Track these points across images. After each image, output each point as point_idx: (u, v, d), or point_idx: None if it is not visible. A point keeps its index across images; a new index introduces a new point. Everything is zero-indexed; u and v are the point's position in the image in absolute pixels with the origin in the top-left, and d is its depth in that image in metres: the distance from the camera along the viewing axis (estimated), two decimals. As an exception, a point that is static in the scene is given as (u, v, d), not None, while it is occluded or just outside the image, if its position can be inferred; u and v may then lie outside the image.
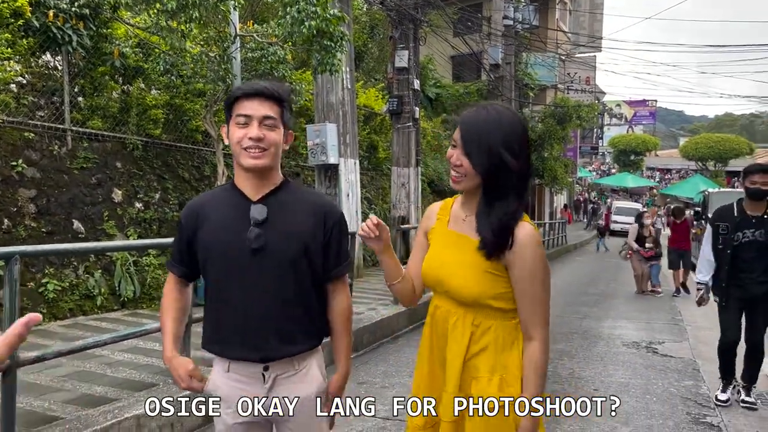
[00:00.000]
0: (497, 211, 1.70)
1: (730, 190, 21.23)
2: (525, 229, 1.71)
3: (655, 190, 48.46)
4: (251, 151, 1.78)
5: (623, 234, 16.06)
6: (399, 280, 1.90)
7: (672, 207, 12.70)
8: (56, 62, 6.85)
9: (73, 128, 6.67)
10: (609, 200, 42.03)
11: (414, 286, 1.94)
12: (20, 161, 6.03)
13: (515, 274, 1.71)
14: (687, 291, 10.48)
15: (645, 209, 12.21)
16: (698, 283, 4.88)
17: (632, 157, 52.10)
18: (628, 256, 11.07)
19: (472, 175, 1.71)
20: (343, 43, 6.66)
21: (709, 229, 4.73)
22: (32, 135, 6.25)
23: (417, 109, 12.36)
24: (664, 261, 11.53)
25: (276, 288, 1.83)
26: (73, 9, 6.27)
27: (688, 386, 5.25)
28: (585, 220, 33.45)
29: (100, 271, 6.53)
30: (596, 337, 7.13)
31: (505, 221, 1.69)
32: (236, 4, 6.37)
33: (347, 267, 1.98)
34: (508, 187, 1.70)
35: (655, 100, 52.64)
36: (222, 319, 1.86)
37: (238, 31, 6.65)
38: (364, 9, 16.29)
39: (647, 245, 10.86)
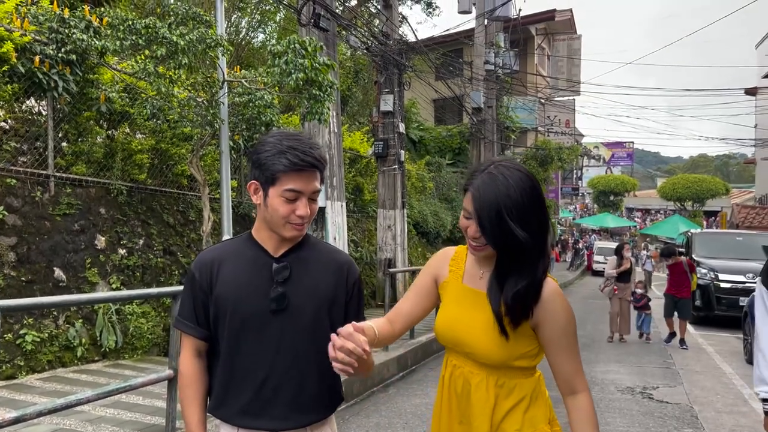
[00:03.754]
0: (510, 286, 1.64)
1: (716, 231, 21.50)
2: (550, 286, 1.68)
3: (634, 230, 48.98)
4: (296, 226, 1.70)
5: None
6: (375, 342, 1.74)
7: (661, 247, 12.24)
8: (41, 107, 6.76)
9: (56, 174, 6.54)
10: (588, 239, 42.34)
11: (395, 331, 1.82)
12: (1, 208, 5.87)
13: (548, 331, 1.67)
14: (684, 345, 9.62)
15: (627, 243, 11.59)
16: (765, 400, 2.33)
17: (611, 198, 52.83)
18: (615, 291, 10.28)
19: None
20: (332, 91, 6.68)
21: (762, 294, 2.53)
22: (14, 181, 6.10)
23: (402, 151, 12.42)
24: (658, 310, 10.84)
25: (295, 351, 1.72)
26: (60, 55, 6.21)
27: (688, 434, 5.15)
28: (569, 260, 33.59)
29: (81, 320, 6.32)
30: (590, 382, 7.00)
31: (521, 293, 1.63)
32: (225, 50, 6.38)
33: None
34: (521, 260, 1.63)
35: (632, 142, 53.69)
36: (232, 384, 1.73)
37: (226, 76, 6.64)
38: (349, 54, 16.52)
39: (638, 290, 10.26)
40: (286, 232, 1.71)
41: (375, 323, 1.74)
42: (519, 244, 1.58)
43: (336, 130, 9.48)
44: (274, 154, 1.67)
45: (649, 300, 10.38)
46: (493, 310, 1.66)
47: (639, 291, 10.33)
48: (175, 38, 5.28)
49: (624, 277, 10.36)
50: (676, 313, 9.84)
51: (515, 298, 1.62)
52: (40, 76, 6.11)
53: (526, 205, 1.59)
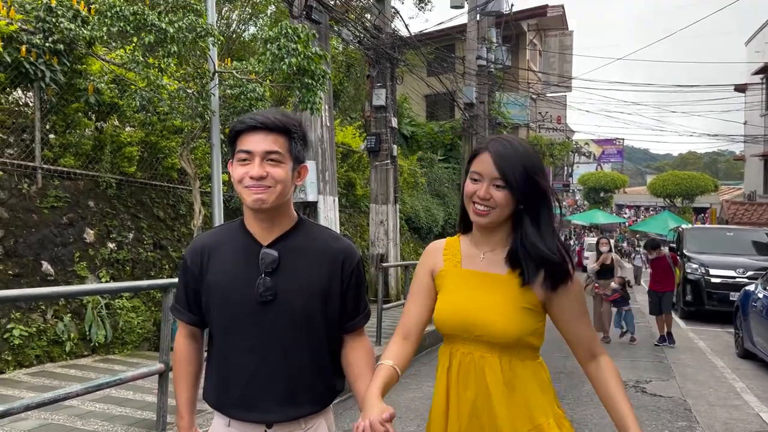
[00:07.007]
0: (548, 238, 1.66)
1: (706, 226, 21.60)
2: None
3: (624, 227, 49.14)
4: (253, 189, 1.61)
5: None
6: (396, 378, 1.70)
7: (647, 240, 11.69)
8: (27, 98, 6.65)
9: (44, 166, 6.43)
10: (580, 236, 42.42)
11: (414, 347, 1.77)
12: (-13, 200, 5.77)
13: (564, 300, 1.69)
14: (671, 341, 9.18)
15: (604, 238, 10.80)
16: None
17: (602, 194, 52.93)
18: (596, 289, 9.74)
19: (502, 207, 1.66)
20: (325, 81, 6.61)
21: None
22: (0, 173, 6.00)
23: (395, 146, 12.35)
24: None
25: (285, 345, 1.65)
26: (47, 44, 6.09)
27: (682, 428, 5.13)
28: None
29: (69, 314, 6.22)
30: (583, 376, 6.91)
31: (561, 246, 1.68)
32: (215, 40, 6.29)
33: (366, 318, 1.80)
34: (549, 215, 1.69)
35: (622, 139, 53.79)
36: (224, 375, 1.69)
37: (216, 67, 6.54)
38: (341, 48, 16.42)
39: (612, 284, 9.46)
40: (246, 199, 1.63)
41: (394, 357, 1.69)
42: (543, 195, 1.66)
43: (328, 124, 9.41)
44: (235, 124, 1.66)
45: (626, 297, 9.62)
46: (546, 264, 1.65)
47: (613, 285, 9.57)
48: (164, 25, 5.19)
49: (605, 273, 9.70)
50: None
51: (562, 248, 1.67)
52: (27, 66, 5.99)
53: (540, 167, 1.70)
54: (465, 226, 1.80)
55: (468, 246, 1.78)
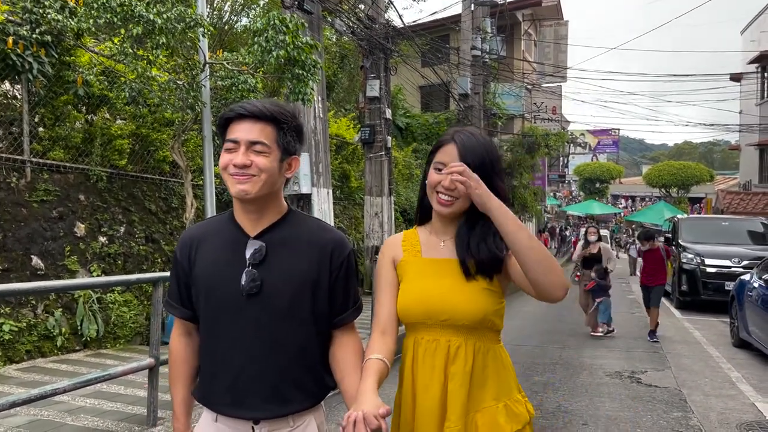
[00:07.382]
0: (474, 239, 1.70)
1: (701, 216, 21.63)
2: None
3: (620, 217, 49.24)
4: (236, 177, 1.58)
5: None
6: (387, 372, 1.68)
7: (640, 230, 11.48)
8: (15, 91, 6.56)
9: (33, 159, 6.35)
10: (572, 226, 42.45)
11: (394, 340, 1.75)
12: (-25, 194, 5.70)
13: (511, 261, 1.69)
14: (654, 337, 8.82)
15: (593, 227, 10.50)
16: None
17: (597, 185, 52.97)
18: (576, 278, 9.58)
19: (466, 197, 1.67)
20: (316, 71, 6.53)
21: None
22: (-12, 167, 5.92)
23: (389, 138, 12.28)
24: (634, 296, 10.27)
25: (272, 338, 1.60)
26: (34, 36, 5.99)
27: (677, 418, 5.11)
28: (554, 247, 33.66)
29: (60, 309, 6.17)
30: (578, 367, 6.99)
31: (490, 245, 1.69)
32: (205, 31, 6.20)
33: (357, 312, 1.75)
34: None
35: (618, 129, 53.78)
36: (210, 370, 1.65)
37: (207, 58, 6.46)
38: (334, 39, 16.30)
39: (592, 274, 9.20)
40: (231, 188, 1.61)
41: (380, 351, 1.67)
42: (499, 196, 1.66)
43: (321, 116, 9.33)
44: (224, 112, 1.64)
45: (604, 287, 9.22)
46: (459, 258, 1.70)
47: (592, 275, 9.25)
48: (152, 16, 5.11)
49: (591, 263, 9.39)
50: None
51: (489, 250, 1.69)
52: (14, 58, 5.89)
53: (500, 163, 1.75)
54: (422, 216, 1.85)
55: (427, 236, 1.81)
